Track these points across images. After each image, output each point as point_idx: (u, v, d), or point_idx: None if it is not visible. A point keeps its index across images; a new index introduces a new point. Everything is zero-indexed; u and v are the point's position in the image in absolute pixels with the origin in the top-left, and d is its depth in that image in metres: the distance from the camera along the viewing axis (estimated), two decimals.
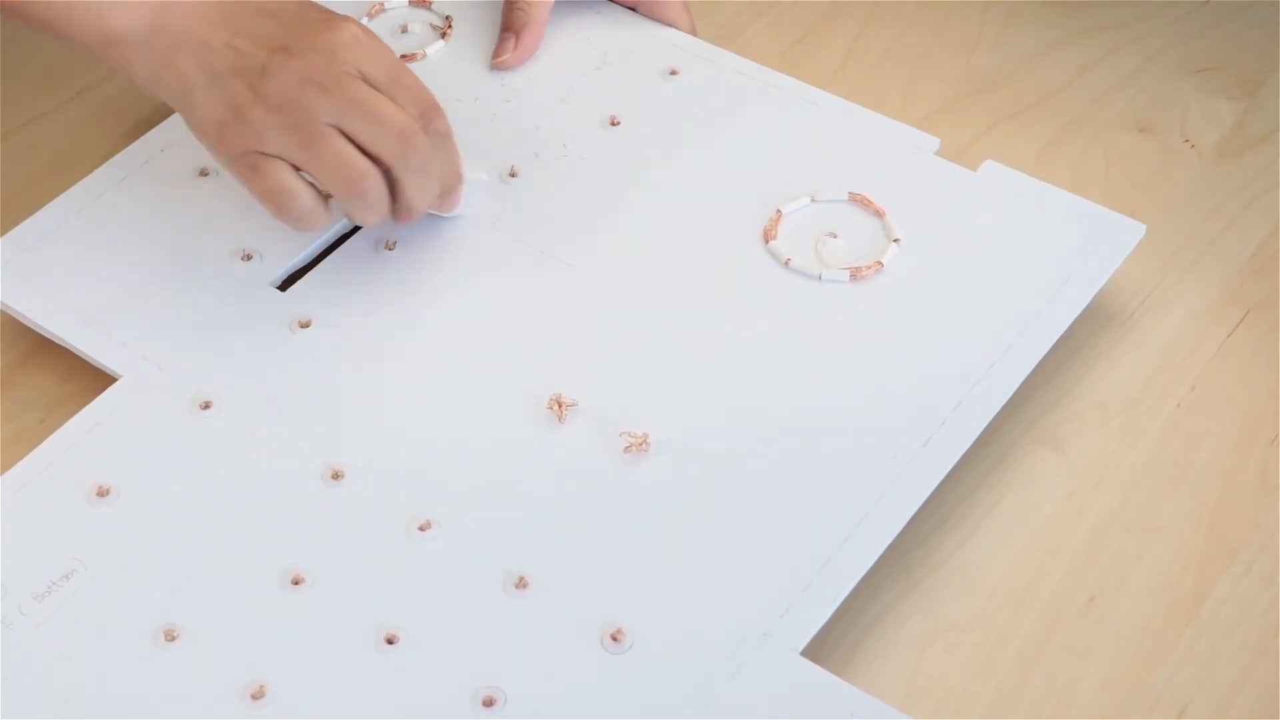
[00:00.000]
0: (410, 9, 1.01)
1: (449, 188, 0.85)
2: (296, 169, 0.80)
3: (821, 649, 0.75)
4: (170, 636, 0.74)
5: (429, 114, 0.82)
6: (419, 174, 0.82)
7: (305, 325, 0.85)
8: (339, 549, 0.77)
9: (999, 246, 0.87)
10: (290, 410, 0.81)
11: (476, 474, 0.79)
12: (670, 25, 0.99)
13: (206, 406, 0.81)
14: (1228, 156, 0.96)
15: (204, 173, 0.92)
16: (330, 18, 0.81)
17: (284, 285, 0.87)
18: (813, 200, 0.90)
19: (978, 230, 0.88)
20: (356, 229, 0.89)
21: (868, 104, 0.95)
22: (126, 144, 0.94)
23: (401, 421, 0.81)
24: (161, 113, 0.96)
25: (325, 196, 0.82)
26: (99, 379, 0.84)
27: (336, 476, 0.79)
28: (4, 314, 0.87)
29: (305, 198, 0.81)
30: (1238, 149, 0.96)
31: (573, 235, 0.89)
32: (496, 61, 0.96)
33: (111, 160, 0.93)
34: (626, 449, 0.79)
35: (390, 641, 0.73)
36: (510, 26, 0.96)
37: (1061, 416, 0.84)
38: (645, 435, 0.79)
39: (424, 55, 0.98)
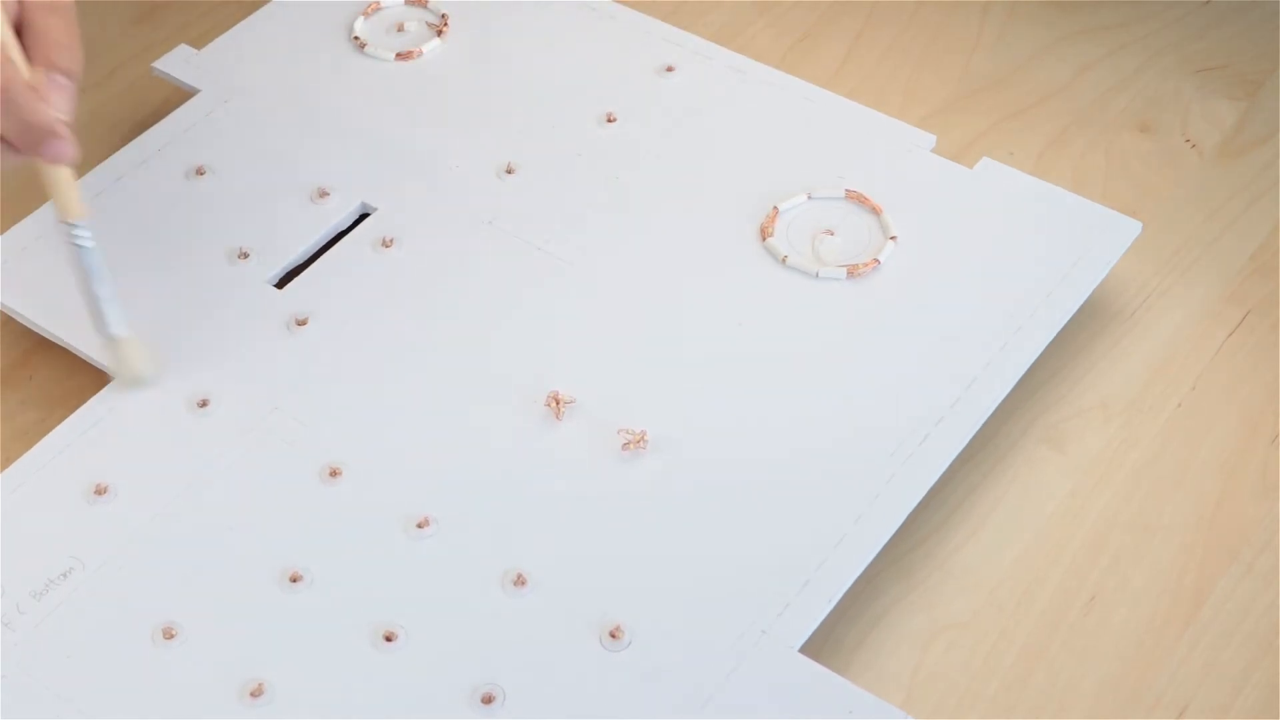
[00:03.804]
0: (406, 7, 1.00)
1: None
2: None
3: (823, 647, 0.75)
4: (169, 635, 0.73)
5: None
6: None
7: (302, 323, 0.85)
8: (337, 547, 0.76)
9: (995, 244, 0.87)
10: (287, 408, 0.81)
11: (474, 471, 0.79)
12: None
13: (204, 404, 0.81)
14: (1228, 156, 0.96)
15: (200, 171, 0.91)
16: None
17: (281, 283, 0.87)
18: (809, 197, 0.89)
19: (974, 227, 0.88)
20: (354, 226, 0.89)
21: (868, 104, 0.95)
22: (123, 144, 0.94)
23: (399, 419, 0.81)
24: (158, 113, 0.96)
25: None
26: (98, 378, 0.84)
27: (334, 474, 0.79)
28: (4, 314, 0.87)
29: None
30: (1239, 149, 0.96)
31: (569, 232, 0.88)
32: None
33: (108, 160, 0.92)
34: (624, 446, 0.79)
35: (389, 639, 0.73)
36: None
37: (1062, 416, 0.84)
38: (643, 433, 0.79)
39: (420, 53, 0.97)
